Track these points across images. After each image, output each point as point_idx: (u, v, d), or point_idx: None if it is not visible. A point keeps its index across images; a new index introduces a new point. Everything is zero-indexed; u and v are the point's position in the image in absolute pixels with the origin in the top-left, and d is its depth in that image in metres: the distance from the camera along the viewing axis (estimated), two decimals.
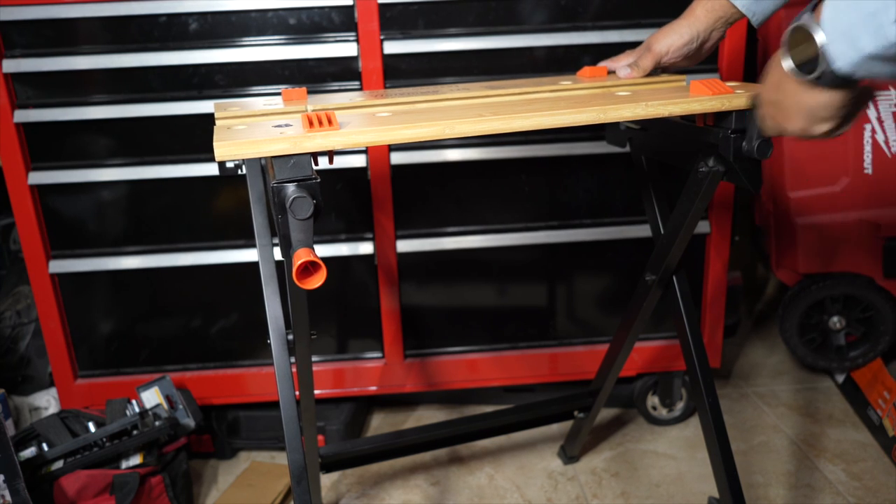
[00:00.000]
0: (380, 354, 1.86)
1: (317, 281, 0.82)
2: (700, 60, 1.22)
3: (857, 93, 0.82)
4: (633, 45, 1.59)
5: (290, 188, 0.83)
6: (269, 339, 1.09)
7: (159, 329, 1.79)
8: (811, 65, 0.79)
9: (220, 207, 1.71)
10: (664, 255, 1.29)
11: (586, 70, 1.25)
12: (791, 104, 0.86)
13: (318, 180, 0.84)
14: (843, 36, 0.74)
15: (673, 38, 1.15)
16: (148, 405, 1.67)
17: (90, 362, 1.81)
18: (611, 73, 1.24)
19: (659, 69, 1.20)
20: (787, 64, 0.83)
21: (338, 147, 0.84)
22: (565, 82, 1.19)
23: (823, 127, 0.86)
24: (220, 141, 0.83)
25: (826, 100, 0.82)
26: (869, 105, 0.85)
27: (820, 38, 0.76)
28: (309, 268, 0.82)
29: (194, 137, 1.64)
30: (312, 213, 0.83)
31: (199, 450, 1.87)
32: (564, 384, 1.93)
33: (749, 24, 1.61)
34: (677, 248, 1.26)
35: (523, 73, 1.65)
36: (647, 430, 1.96)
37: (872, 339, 2.01)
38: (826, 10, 0.75)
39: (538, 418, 1.72)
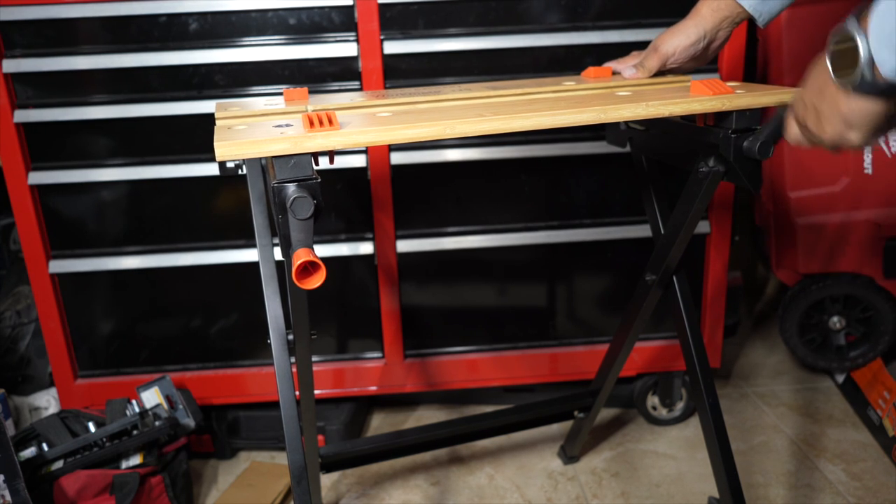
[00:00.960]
0: (380, 354, 1.86)
1: (316, 281, 0.82)
2: (707, 62, 1.22)
3: (894, 107, 0.81)
4: (633, 45, 1.59)
5: (291, 188, 0.83)
6: (269, 339, 1.09)
7: (159, 329, 1.79)
8: (853, 71, 0.78)
9: (220, 207, 1.71)
10: (664, 256, 1.29)
11: (591, 70, 1.25)
12: (829, 109, 0.85)
13: (319, 180, 0.84)
14: (887, 42, 0.74)
15: (679, 39, 1.15)
16: (148, 405, 1.67)
17: (90, 362, 1.80)
18: (616, 74, 1.24)
19: (666, 71, 1.20)
20: (829, 69, 0.82)
21: (338, 147, 0.84)
22: (569, 83, 1.19)
23: (856, 135, 0.85)
24: (220, 141, 0.83)
25: (863, 108, 0.81)
26: None
27: (864, 44, 0.76)
28: (308, 268, 0.82)
29: (194, 137, 1.64)
30: (313, 213, 0.83)
31: (199, 450, 1.87)
32: (564, 384, 1.93)
33: (749, 25, 1.61)
34: (677, 249, 1.26)
35: (524, 73, 1.65)
36: (647, 430, 1.96)
37: (872, 339, 2.01)
38: (872, 17, 0.75)
39: (538, 418, 1.72)
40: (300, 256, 0.80)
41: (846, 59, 0.78)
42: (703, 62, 1.20)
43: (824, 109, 0.85)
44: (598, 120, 0.95)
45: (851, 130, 0.84)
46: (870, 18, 0.75)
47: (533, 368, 1.88)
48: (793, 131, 0.94)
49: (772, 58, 1.91)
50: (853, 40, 0.76)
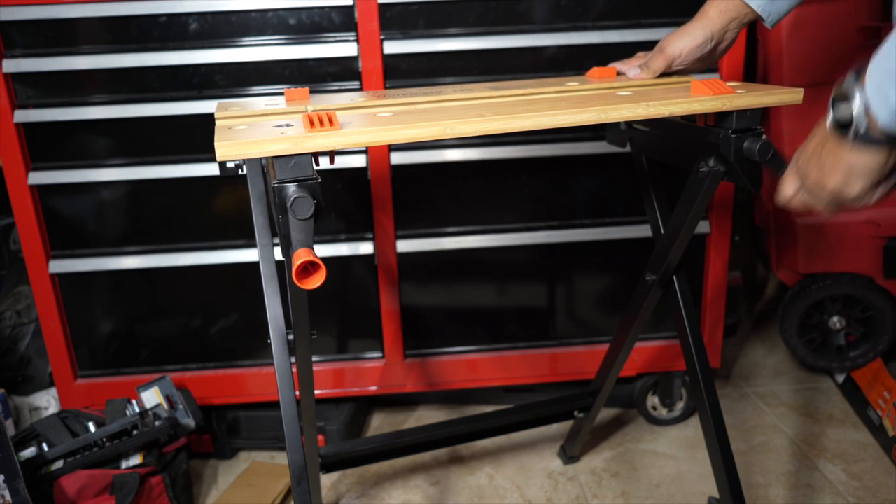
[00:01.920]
0: (380, 354, 1.86)
1: (316, 281, 0.82)
2: (713, 63, 1.21)
3: (894, 159, 0.84)
4: (633, 45, 1.60)
5: (291, 188, 0.83)
6: (269, 339, 1.09)
7: (159, 329, 1.79)
8: (851, 124, 0.81)
9: (220, 207, 1.71)
10: (664, 255, 1.29)
11: (595, 71, 1.25)
12: (831, 160, 0.87)
13: (319, 180, 0.84)
14: (878, 92, 0.77)
15: (686, 41, 1.14)
16: (148, 405, 1.67)
17: (90, 362, 1.80)
18: (621, 74, 1.24)
19: (672, 72, 1.19)
20: (830, 122, 0.85)
21: (339, 147, 0.84)
22: (572, 83, 1.19)
23: (857, 186, 0.87)
24: (221, 141, 0.83)
25: (865, 160, 0.84)
26: None
27: (859, 98, 0.79)
28: (308, 268, 0.82)
29: (194, 137, 1.64)
30: (313, 213, 0.83)
31: (199, 450, 1.87)
32: (564, 384, 1.93)
33: (749, 25, 1.61)
34: (677, 249, 1.26)
35: (524, 73, 1.65)
36: (647, 430, 1.96)
37: (872, 339, 2.01)
38: (868, 69, 0.78)
39: (538, 418, 1.72)
40: (300, 256, 0.80)
41: (846, 113, 0.82)
42: (709, 63, 1.20)
43: (826, 161, 0.87)
44: (599, 120, 0.95)
45: (852, 181, 0.86)
46: (867, 72, 0.78)
47: (533, 368, 1.88)
48: (788, 188, 0.96)
49: (772, 58, 1.91)
50: (850, 94, 0.80)
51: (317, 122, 0.86)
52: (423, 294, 1.81)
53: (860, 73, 0.79)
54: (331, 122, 0.86)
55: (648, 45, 1.61)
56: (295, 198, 0.82)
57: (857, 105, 0.79)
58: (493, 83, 1.26)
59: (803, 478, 1.74)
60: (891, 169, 0.85)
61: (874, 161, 0.83)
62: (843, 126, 0.83)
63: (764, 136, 1.01)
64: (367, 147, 1.30)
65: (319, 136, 0.84)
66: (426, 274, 1.79)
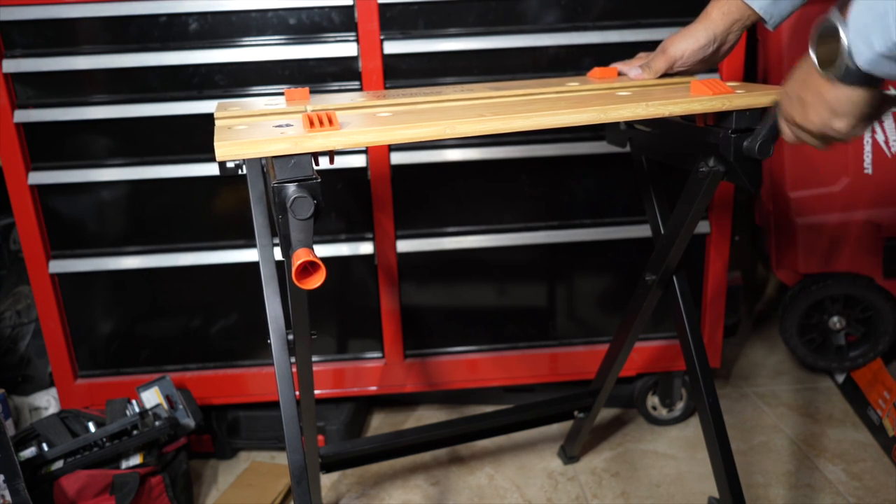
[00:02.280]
0: (380, 354, 1.86)
1: (316, 281, 0.82)
2: (715, 64, 1.21)
3: (879, 96, 0.84)
4: (633, 45, 1.60)
5: (291, 188, 0.83)
6: (269, 339, 1.08)
7: (159, 329, 1.79)
8: (836, 61, 0.81)
9: (220, 207, 1.71)
10: (664, 256, 1.29)
11: (596, 71, 1.25)
12: (814, 98, 0.87)
13: (319, 180, 0.84)
14: (860, 35, 0.77)
15: (688, 42, 1.14)
16: (148, 405, 1.67)
17: (90, 362, 1.80)
18: (622, 74, 1.24)
19: (674, 73, 1.19)
20: (814, 59, 0.84)
21: (338, 147, 0.84)
22: (573, 83, 1.19)
23: (841, 123, 0.87)
24: (220, 141, 0.83)
25: (847, 96, 0.84)
26: (888, 111, 0.88)
27: (844, 35, 0.79)
28: (308, 268, 0.82)
29: (194, 137, 1.64)
30: (313, 214, 0.83)
31: (199, 450, 1.87)
32: (564, 384, 1.93)
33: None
34: (677, 249, 1.26)
35: (524, 74, 1.65)
36: (647, 430, 1.96)
37: (872, 339, 2.01)
38: (851, 10, 0.78)
39: (538, 418, 1.72)
40: (300, 256, 0.80)
41: (830, 50, 0.81)
42: (711, 65, 1.20)
43: (809, 99, 0.88)
44: (598, 120, 0.94)
45: (837, 118, 0.87)
46: (850, 11, 0.78)
47: (533, 368, 1.88)
48: (784, 129, 0.96)
49: (772, 58, 1.91)
50: (835, 31, 0.80)
51: (316, 122, 0.86)
52: (423, 294, 1.81)
53: (843, 9, 0.79)
54: (330, 122, 0.86)
55: (648, 45, 1.61)
56: (295, 198, 0.82)
57: (844, 44, 0.79)
58: (493, 83, 1.26)
59: (803, 478, 1.74)
60: (873, 107, 0.85)
61: (859, 97, 0.83)
62: (827, 64, 0.83)
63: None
64: (367, 147, 1.30)
65: (319, 136, 0.84)
66: (426, 274, 1.79)
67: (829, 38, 0.81)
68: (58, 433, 1.59)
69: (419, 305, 1.82)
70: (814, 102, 0.87)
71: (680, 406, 1.96)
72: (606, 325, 1.88)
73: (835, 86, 0.84)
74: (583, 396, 1.68)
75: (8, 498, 1.40)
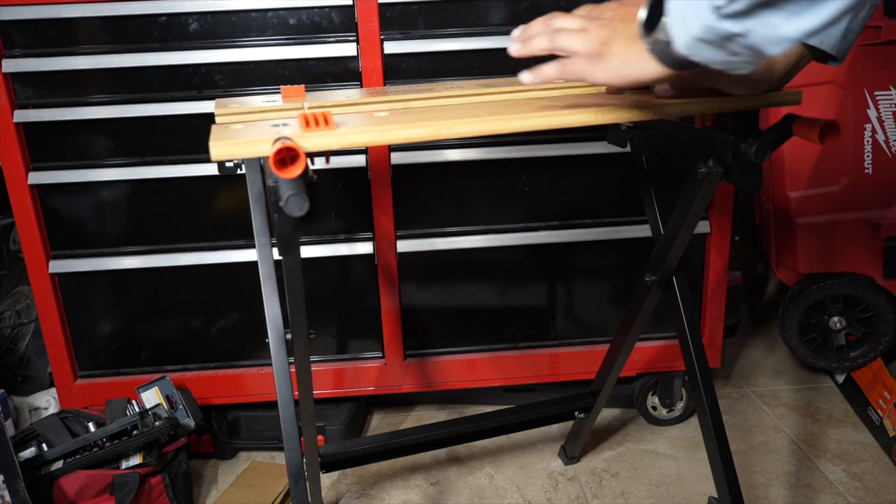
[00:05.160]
0: (379, 354, 1.86)
1: (296, 169, 0.77)
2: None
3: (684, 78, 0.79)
4: None
5: (286, 187, 0.83)
6: (268, 338, 1.09)
7: (159, 329, 1.79)
8: (654, 32, 0.74)
9: (219, 207, 1.72)
10: (664, 256, 1.28)
11: None
12: (621, 44, 0.79)
13: (315, 179, 0.84)
14: (678, 16, 0.70)
15: None
16: (148, 405, 1.67)
17: (90, 362, 1.81)
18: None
19: None
20: (642, 16, 0.76)
21: (334, 147, 0.84)
22: (559, 80, 1.18)
23: (618, 82, 0.81)
24: (216, 140, 0.83)
25: (650, 70, 0.78)
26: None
27: (666, 10, 0.71)
28: (287, 160, 0.78)
29: (194, 137, 1.64)
30: (308, 211, 0.82)
31: (199, 450, 1.87)
32: (564, 384, 1.93)
33: None
34: (677, 249, 1.26)
35: None
36: (648, 430, 1.95)
37: (873, 339, 2.00)
38: None
39: (538, 418, 1.72)
40: (277, 146, 0.77)
41: (654, 16, 0.74)
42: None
43: (615, 42, 0.80)
44: (596, 121, 0.94)
45: (624, 84, 0.82)
46: None
47: (533, 369, 1.87)
48: (561, 23, 0.89)
49: None
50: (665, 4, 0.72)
51: (312, 122, 0.86)
52: (423, 294, 1.81)
53: None
54: (326, 121, 0.86)
55: None
56: (289, 196, 0.81)
57: (663, 21, 0.72)
58: (483, 80, 1.25)
59: (803, 478, 1.74)
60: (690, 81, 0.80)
61: (657, 75, 0.78)
62: (648, 28, 0.75)
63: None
64: (367, 147, 1.30)
65: (314, 136, 0.83)
66: (426, 274, 1.79)
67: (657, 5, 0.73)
68: (58, 433, 1.59)
69: (419, 305, 1.82)
70: (619, 53, 0.79)
71: (680, 406, 1.96)
72: (606, 325, 1.88)
73: (646, 55, 0.77)
74: (583, 397, 1.68)
75: (7, 498, 1.40)
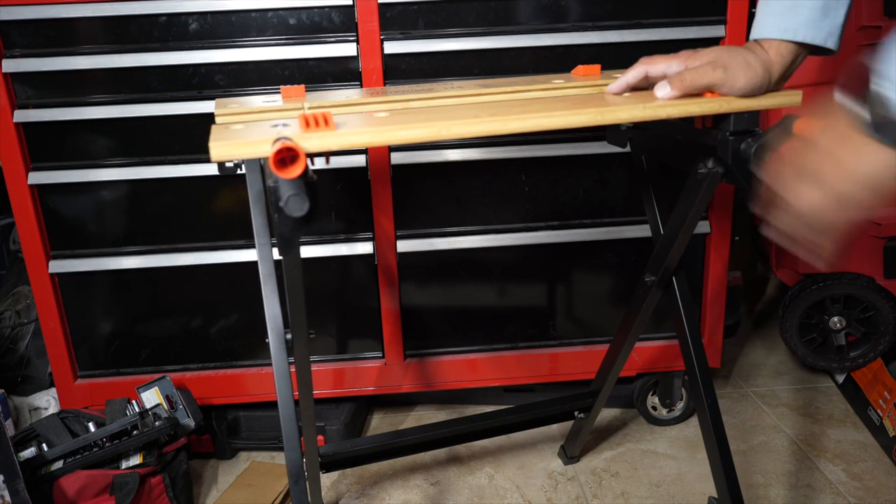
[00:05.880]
0: (379, 354, 1.86)
1: (296, 169, 0.78)
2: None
3: None
4: (633, 45, 1.60)
5: (286, 187, 0.83)
6: (268, 338, 1.09)
7: (159, 329, 1.79)
8: (885, 122, 0.66)
9: (219, 207, 1.72)
10: (664, 256, 1.28)
11: (580, 69, 1.25)
12: (852, 159, 0.70)
13: (315, 179, 0.84)
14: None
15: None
16: (148, 405, 1.67)
17: (90, 362, 1.81)
18: (605, 72, 1.23)
19: None
20: (865, 117, 0.68)
21: (334, 148, 0.84)
22: (557, 81, 1.18)
23: (865, 200, 0.71)
24: (216, 141, 0.83)
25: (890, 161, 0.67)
26: None
27: (879, 88, 0.65)
28: (287, 160, 0.78)
29: (194, 137, 1.64)
30: (308, 212, 0.82)
31: (199, 450, 1.87)
32: (564, 384, 1.93)
33: (747, 27, 1.61)
34: (677, 249, 1.26)
35: (524, 74, 1.65)
36: (648, 430, 1.95)
37: (873, 339, 2.00)
38: (882, 55, 0.66)
39: (538, 418, 1.72)
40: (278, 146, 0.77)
41: (883, 109, 0.65)
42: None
43: (846, 160, 0.70)
44: (596, 122, 0.94)
45: (865, 192, 0.70)
46: (879, 55, 0.66)
47: (532, 369, 1.87)
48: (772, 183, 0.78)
49: None
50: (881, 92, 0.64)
51: (312, 122, 0.86)
52: (423, 294, 1.81)
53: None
54: (326, 122, 0.86)
55: (648, 45, 1.61)
56: (289, 196, 0.81)
57: (889, 98, 0.64)
58: (482, 80, 1.25)
59: (803, 478, 1.74)
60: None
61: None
62: (878, 118, 0.67)
63: (762, 139, 1.01)
64: (366, 147, 1.30)
65: (314, 136, 0.83)
66: (426, 274, 1.79)
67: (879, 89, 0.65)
68: (58, 433, 1.59)
69: (419, 305, 1.82)
70: (848, 166, 0.69)
71: (680, 406, 1.96)
72: (606, 325, 1.88)
73: (882, 148, 0.67)
74: (583, 397, 1.68)
75: (7, 498, 1.40)
